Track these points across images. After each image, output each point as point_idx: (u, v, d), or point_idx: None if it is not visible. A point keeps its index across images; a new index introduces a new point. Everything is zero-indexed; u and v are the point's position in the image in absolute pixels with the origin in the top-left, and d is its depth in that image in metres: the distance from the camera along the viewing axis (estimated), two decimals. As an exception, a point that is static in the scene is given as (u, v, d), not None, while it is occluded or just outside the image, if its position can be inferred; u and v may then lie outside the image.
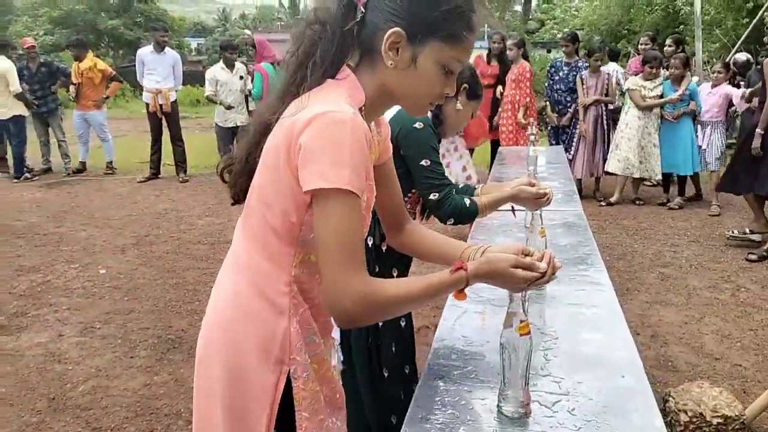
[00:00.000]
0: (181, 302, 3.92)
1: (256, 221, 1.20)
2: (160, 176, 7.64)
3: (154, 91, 7.17)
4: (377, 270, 1.98)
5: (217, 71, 7.00)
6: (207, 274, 4.39)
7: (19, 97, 7.33)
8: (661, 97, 5.89)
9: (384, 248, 1.98)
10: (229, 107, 6.86)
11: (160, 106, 7.19)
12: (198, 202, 6.47)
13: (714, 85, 5.92)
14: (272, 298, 1.17)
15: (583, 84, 6.17)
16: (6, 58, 7.47)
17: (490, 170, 6.95)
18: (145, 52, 7.33)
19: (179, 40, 28.73)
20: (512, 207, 2.45)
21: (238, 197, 1.29)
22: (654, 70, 5.86)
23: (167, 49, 7.34)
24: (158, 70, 7.18)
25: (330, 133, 1.02)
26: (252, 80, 6.94)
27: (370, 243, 1.97)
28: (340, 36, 1.12)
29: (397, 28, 1.08)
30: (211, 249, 4.97)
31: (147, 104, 7.29)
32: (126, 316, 3.71)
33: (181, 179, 7.39)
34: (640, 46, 7.02)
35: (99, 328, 3.56)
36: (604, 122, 6.24)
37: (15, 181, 7.59)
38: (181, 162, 7.50)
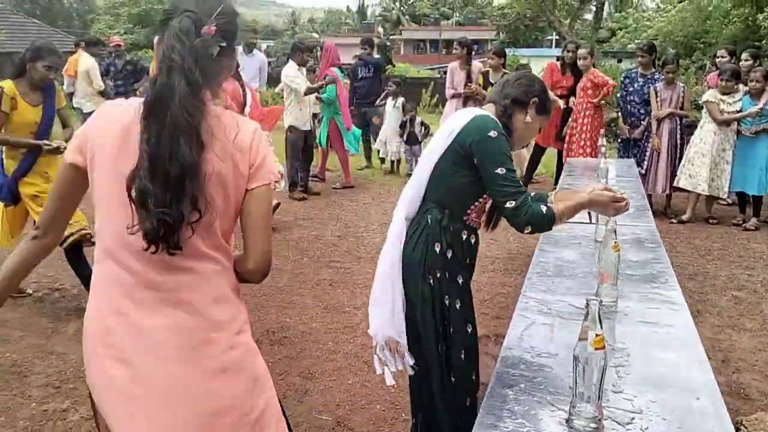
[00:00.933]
0: (248, 296, 4.03)
1: None
2: None
3: None
4: (446, 276, 2.00)
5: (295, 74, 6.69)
6: (273, 270, 4.50)
7: (102, 93, 7.76)
8: (740, 112, 5.66)
9: (449, 255, 2.00)
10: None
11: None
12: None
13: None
14: None
15: (657, 96, 6.00)
16: (90, 56, 7.93)
17: (556, 180, 6.87)
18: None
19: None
20: (589, 214, 2.42)
21: None
22: (731, 84, 5.63)
23: (255, 50, 7.41)
24: (246, 72, 7.06)
25: None
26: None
27: (437, 249, 2.00)
28: None
29: None
30: (277, 246, 5.10)
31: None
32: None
33: None
34: (717, 59, 6.75)
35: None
36: (678, 137, 6.04)
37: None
38: None
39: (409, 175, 8.10)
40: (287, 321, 3.69)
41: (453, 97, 7.04)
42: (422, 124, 8.30)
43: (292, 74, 6.53)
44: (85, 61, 7.69)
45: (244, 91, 4.62)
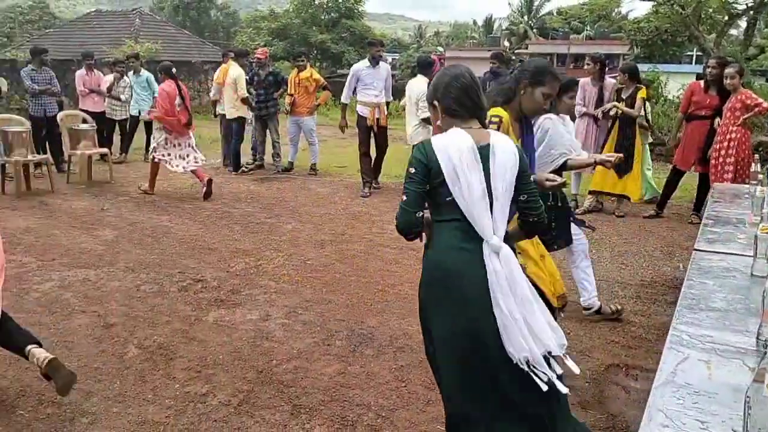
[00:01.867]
0: (372, 300, 4.15)
1: None
2: (378, 186, 7.78)
3: (373, 105, 7.31)
4: None
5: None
6: (395, 277, 4.59)
7: (244, 101, 8.31)
8: None
9: None
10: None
11: (377, 119, 7.32)
12: (389, 207, 6.79)
13: None
14: None
15: None
16: (239, 66, 8.53)
17: (699, 206, 6.38)
18: (361, 67, 7.49)
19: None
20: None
21: None
22: None
23: (380, 62, 7.49)
24: (375, 84, 7.32)
25: None
26: None
27: None
28: None
29: None
30: (399, 253, 5.18)
31: (363, 117, 7.36)
32: (324, 306, 4.02)
33: (374, 186, 7.72)
34: None
35: (301, 313, 3.90)
36: None
37: (233, 173, 8.60)
38: (377, 170, 7.81)
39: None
40: (409, 329, 3.72)
41: (584, 115, 6.78)
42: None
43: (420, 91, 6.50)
44: (234, 71, 8.28)
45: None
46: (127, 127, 9.55)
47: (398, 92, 20.19)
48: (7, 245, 5.07)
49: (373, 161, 7.67)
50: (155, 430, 2.66)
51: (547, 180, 2.67)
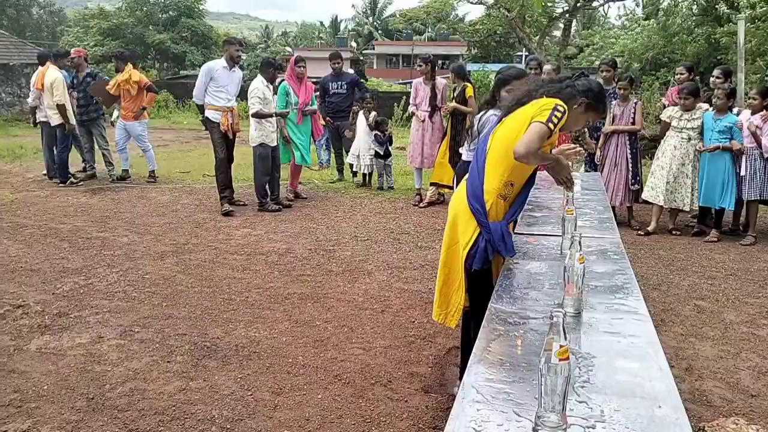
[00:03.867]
0: (217, 311, 4.01)
1: None
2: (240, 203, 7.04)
3: (225, 109, 6.58)
4: None
5: (263, 88, 6.56)
6: (242, 284, 4.48)
7: (59, 107, 7.58)
8: (701, 129, 5.84)
9: None
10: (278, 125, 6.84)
11: (231, 125, 6.65)
12: (237, 212, 6.60)
13: (752, 113, 5.83)
14: None
15: (610, 111, 6.20)
16: (57, 68, 7.80)
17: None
18: (216, 66, 6.60)
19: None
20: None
21: None
22: (690, 101, 5.83)
23: (237, 65, 6.80)
24: (229, 88, 6.63)
25: None
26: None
27: None
28: None
29: None
30: (247, 260, 5.06)
31: (214, 122, 6.59)
32: (164, 321, 3.81)
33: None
34: (676, 77, 6.96)
35: (138, 331, 3.66)
36: (628, 151, 6.20)
37: (61, 185, 7.86)
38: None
39: (381, 188, 8.12)
40: (256, 336, 3.65)
41: (413, 114, 7.14)
42: (390, 138, 8.33)
43: (258, 92, 6.50)
44: (51, 74, 7.55)
45: None
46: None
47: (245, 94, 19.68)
48: None
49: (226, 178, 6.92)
50: (-38, 480, 2.36)
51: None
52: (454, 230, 2.72)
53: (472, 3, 21.19)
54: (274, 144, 6.74)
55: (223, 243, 5.54)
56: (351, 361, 3.34)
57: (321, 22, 61.94)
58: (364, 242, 5.65)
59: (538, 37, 22.45)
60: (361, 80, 9.52)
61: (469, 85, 6.91)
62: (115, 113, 8.43)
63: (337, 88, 8.11)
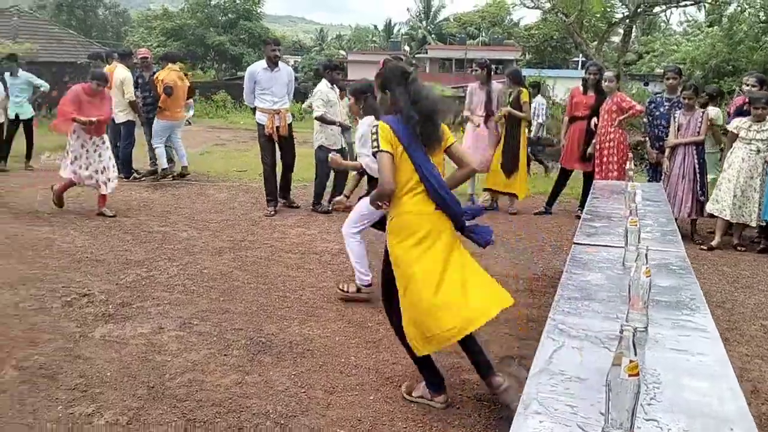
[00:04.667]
0: (272, 307, 4.08)
1: None
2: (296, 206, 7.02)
3: (271, 112, 6.52)
4: None
5: (326, 91, 6.55)
6: (296, 282, 4.55)
7: (132, 104, 7.92)
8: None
9: None
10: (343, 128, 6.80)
11: (277, 128, 6.53)
12: (292, 212, 6.72)
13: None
14: None
15: (675, 122, 5.99)
16: (126, 67, 8.13)
17: (581, 203, 6.82)
18: (257, 68, 6.55)
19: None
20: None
21: None
22: (760, 112, 5.58)
23: (281, 64, 6.66)
24: (274, 90, 6.51)
25: None
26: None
27: None
28: None
29: None
30: (301, 258, 5.14)
31: (261, 125, 6.57)
32: (221, 316, 3.91)
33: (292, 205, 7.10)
34: (744, 87, 6.69)
35: (196, 324, 3.77)
36: (696, 163, 5.96)
37: (124, 180, 8.17)
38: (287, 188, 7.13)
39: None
40: (310, 334, 3.71)
41: (468, 120, 7.07)
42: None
43: (321, 94, 6.55)
44: (120, 72, 7.87)
45: None
46: (4, 132, 8.83)
47: (301, 95, 20.04)
48: None
49: (279, 177, 6.93)
50: (33, 458, 2.48)
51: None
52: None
53: (528, 7, 20.91)
54: (338, 147, 6.67)
55: (278, 241, 5.64)
56: (403, 364, 3.34)
57: (375, 26, 62.29)
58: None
59: (596, 42, 21.97)
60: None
61: (524, 90, 6.84)
62: (190, 112, 8.67)
63: None
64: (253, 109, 6.76)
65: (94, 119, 6.01)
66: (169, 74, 8.03)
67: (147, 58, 8.37)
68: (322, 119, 6.52)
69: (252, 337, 3.62)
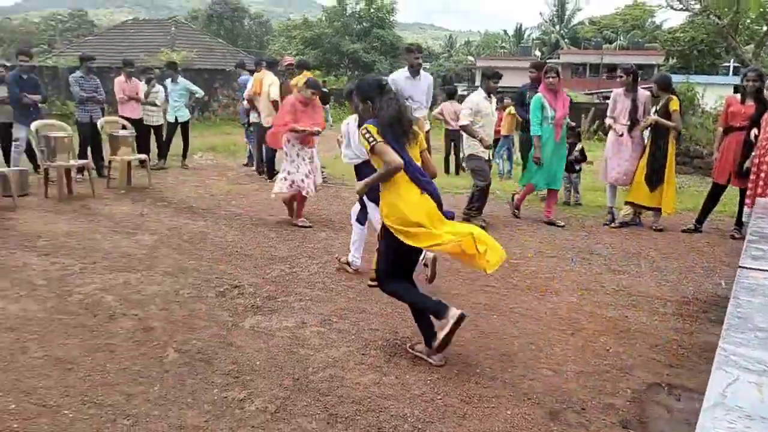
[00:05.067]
0: (405, 311, 4.13)
1: None
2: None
3: None
4: None
5: (478, 100, 6.34)
6: (429, 286, 4.59)
7: (275, 106, 8.43)
8: None
9: None
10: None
11: None
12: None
13: None
14: None
15: None
16: (273, 74, 8.67)
17: (737, 221, 6.26)
18: (399, 77, 6.49)
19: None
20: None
21: None
22: None
23: (421, 71, 6.59)
24: (416, 97, 6.38)
25: None
26: None
27: None
28: None
29: None
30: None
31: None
32: (358, 315, 4.04)
33: None
34: None
35: (335, 321, 3.93)
36: None
37: (268, 181, 8.71)
38: None
39: (567, 203, 7.73)
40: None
41: (610, 128, 6.70)
42: (581, 151, 8.00)
43: (470, 103, 6.31)
44: (268, 79, 8.42)
45: None
46: (164, 133, 9.76)
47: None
48: (50, 248, 5.22)
49: None
50: (195, 434, 2.70)
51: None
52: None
53: (675, 9, 19.54)
54: (487, 156, 6.50)
55: (410, 246, 5.72)
56: (540, 380, 3.26)
57: (504, 31, 61.39)
58: (551, 259, 5.48)
59: (752, 46, 20.10)
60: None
61: (674, 97, 6.39)
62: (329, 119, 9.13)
63: None
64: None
65: (316, 129, 6.04)
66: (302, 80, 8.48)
67: (292, 65, 8.86)
68: (465, 129, 6.32)
69: (388, 338, 3.70)
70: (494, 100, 6.54)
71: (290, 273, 4.82)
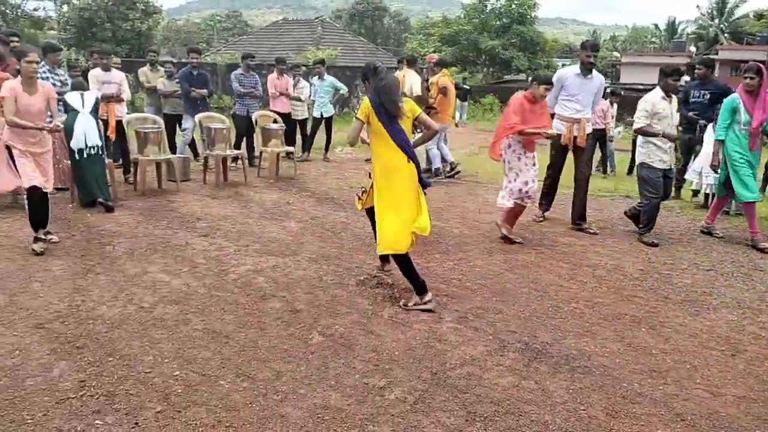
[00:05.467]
0: (544, 315, 4.03)
1: None
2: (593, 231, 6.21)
3: (572, 120, 6.03)
4: None
5: (654, 100, 5.73)
6: (569, 294, 4.42)
7: (417, 100, 8.55)
8: None
9: None
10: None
11: (574, 138, 6.04)
12: (565, 222, 6.52)
13: None
14: None
15: None
16: (415, 72, 8.78)
17: None
18: (568, 73, 6.11)
19: (548, 60, 29.57)
20: None
21: None
22: None
23: (594, 70, 6.08)
24: (581, 98, 6.01)
25: None
26: None
27: None
28: None
29: None
30: (572, 269, 4.98)
31: (558, 135, 5.98)
32: (495, 315, 3.98)
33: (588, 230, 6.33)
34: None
35: (472, 320, 3.90)
36: None
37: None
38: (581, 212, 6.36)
39: (727, 212, 6.94)
40: (586, 350, 3.56)
41: None
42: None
43: (645, 104, 5.70)
44: (411, 77, 8.55)
45: None
46: (308, 128, 10.26)
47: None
48: (208, 229, 5.70)
49: (574, 198, 6.28)
50: (337, 415, 2.81)
51: None
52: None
53: None
54: (666, 167, 5.80)
55: (549, 248, 5.54)
56: (695, 402, 3.01)
57: (655, 25, 57.21)
58: (707, 272, 5.04)
59: None
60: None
61: None
62: (458, 115, 9.15)
63: (699, 97, 7.32)
64: (551, 115, 6.03)
65: (550, 132, 5.51)
66: (443, 78, 8.59)
67: (434, 63, 8.92)
68: (641, 132, 5.75)
69: (527, 342, 3.61)
70: (674, 99, 5.87)
71: (425, 268, 4.85)
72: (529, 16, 29.08)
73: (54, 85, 6.55)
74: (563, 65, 35.91)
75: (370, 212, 4.39)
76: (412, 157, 4.02)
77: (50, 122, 5.00)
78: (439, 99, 8.49)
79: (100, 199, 6.30)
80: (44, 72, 6.69)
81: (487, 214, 6.76)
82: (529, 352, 3.49)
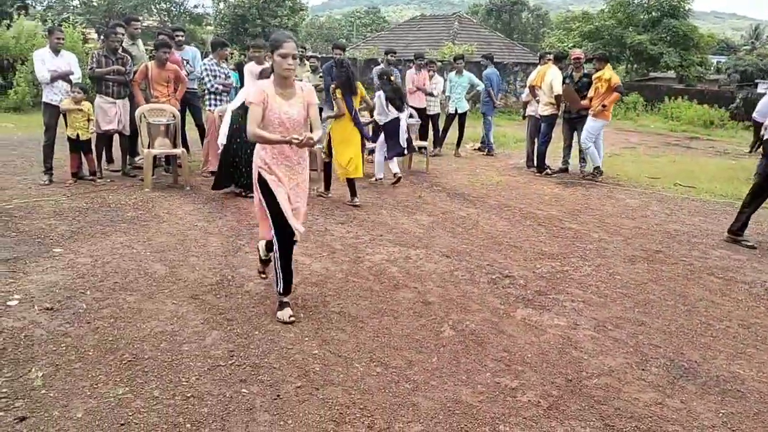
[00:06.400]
0: (693, 332, 3.75)
1: None
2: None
3: None
4: None
5: None
6: (722, 311, 4.07)
7: (557, 98, 8.26)
8: None
9: None
10: None
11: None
12: (715, 228, 6.03)
13: None
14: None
15: None
16: (557, 68, 8.49)
17: None
18: None
19: (702, 57, 27.23)
20: None
21: None
22: None
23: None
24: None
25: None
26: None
27: None
28: None
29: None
30: (726, 285, 4.58)
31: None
32: (636, 327, 3.77)
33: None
34: None
35: (611, 329, 3.72)
36: None
37: (537, 174, 8.61)
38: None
39: None
40: (740, 373, 3.27)
41: None
42: None
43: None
44: (551, 72, 8.28)
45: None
46: (440, 123, 10.28)
47: (727, 100, 17.83)
48: (345, 218, 5.91)
49: (743, 207, 5.84)
50: (468, 411, 2.81)
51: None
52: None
53: None
54: None
55: (698, 260, 5.14)
56: None
57: (836, 19, 50.52)
58: None
59: None
60: None
61: None
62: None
63: None
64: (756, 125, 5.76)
65: None
66: (614, 74, 8.16)
67: (580, 59, 8.56)
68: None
69: (672, 358, 3.38)
70: None
71: (561, 271, 4.70)
72: (682, 9, 26.93)
73: (219, 77, 7.10)
74: (717, 62, 32.95)
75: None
76: (359, 127, 6.26)
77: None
78: (615, 96, 8.05)
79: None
80: (212, 66, 7.27)
81: (630, 219, 6.39)
82: (674, 369, 3.27)
